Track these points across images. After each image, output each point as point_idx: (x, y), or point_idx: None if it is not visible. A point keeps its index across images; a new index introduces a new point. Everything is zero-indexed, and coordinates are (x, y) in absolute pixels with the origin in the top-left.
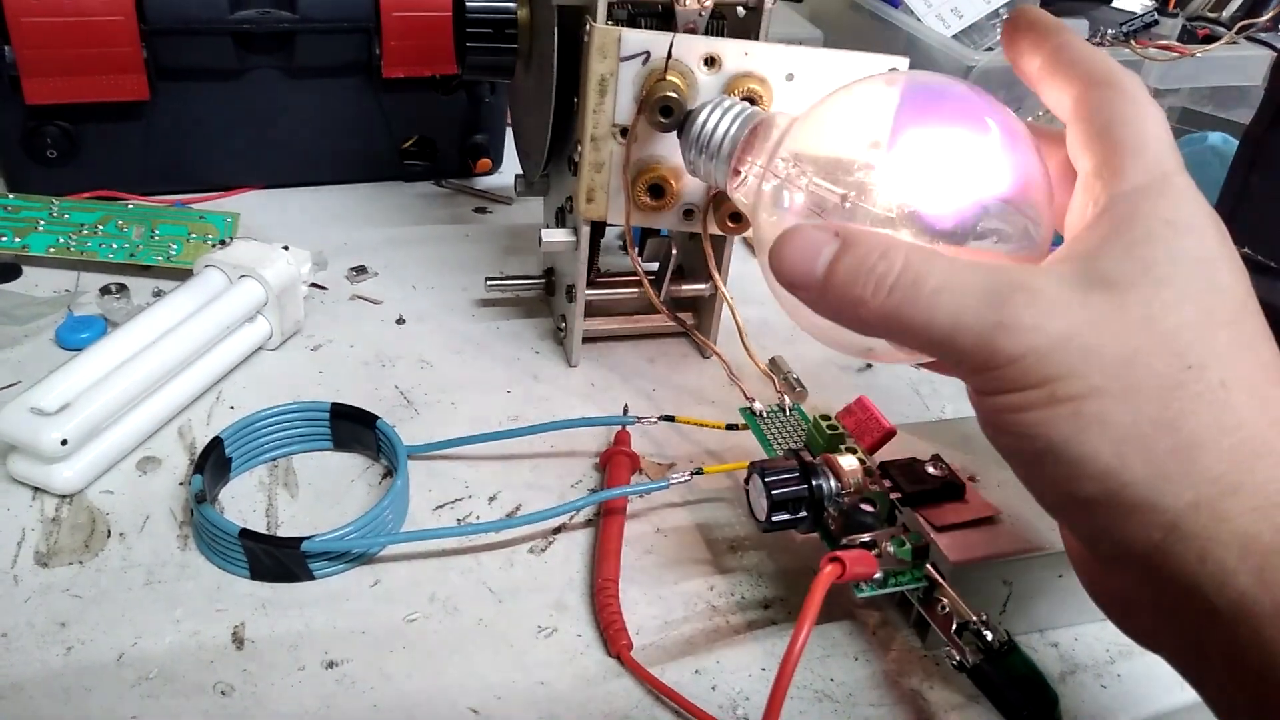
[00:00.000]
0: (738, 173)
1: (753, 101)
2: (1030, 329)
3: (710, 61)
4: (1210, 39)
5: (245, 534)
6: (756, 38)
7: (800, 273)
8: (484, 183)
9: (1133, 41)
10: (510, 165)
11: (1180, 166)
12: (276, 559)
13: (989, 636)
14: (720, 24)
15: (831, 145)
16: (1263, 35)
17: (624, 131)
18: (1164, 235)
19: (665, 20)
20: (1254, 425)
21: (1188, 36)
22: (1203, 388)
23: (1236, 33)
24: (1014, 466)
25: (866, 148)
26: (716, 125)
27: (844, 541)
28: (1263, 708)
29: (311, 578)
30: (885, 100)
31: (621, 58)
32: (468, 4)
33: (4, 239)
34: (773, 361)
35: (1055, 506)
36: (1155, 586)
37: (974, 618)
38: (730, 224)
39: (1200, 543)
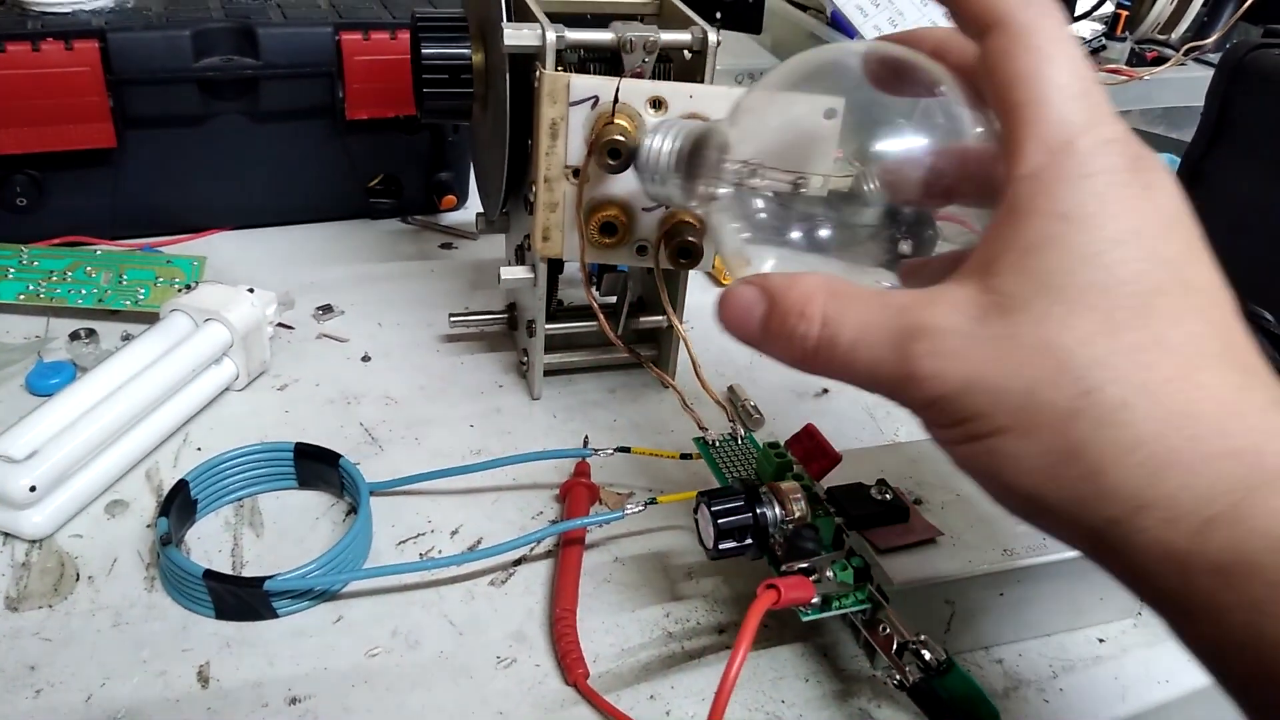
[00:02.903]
0: (692, 188)
1: None
2: (933, 378)
3: (657, 104)
4: (1159, 61)
5: (209, 575)
6: (702, 80)
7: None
8: (450, 218)
9: None
10: (475, 201)
11: (1092, 121)
12: (240, 599)
13: (927, 656)
14: (667, 66)
15: (774, 136)
16: (1209, 57)
17: (576, 173)
18: (1057, 234)
19: (613, 65)
20: (1158, 439)
21: (1136, 60)
22: (1101, 412)
23: (1184, 54)
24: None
25: (809, 129)
26: (661, 148)
27: (783, 568)
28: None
29: (275, 616)
30: (818, 80)
31: (571, 102)
32: (424, 50)
33: None
34: (730, 390)
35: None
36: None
37: (912, 638)
38: (680, 260)
39: (1123, 551)
